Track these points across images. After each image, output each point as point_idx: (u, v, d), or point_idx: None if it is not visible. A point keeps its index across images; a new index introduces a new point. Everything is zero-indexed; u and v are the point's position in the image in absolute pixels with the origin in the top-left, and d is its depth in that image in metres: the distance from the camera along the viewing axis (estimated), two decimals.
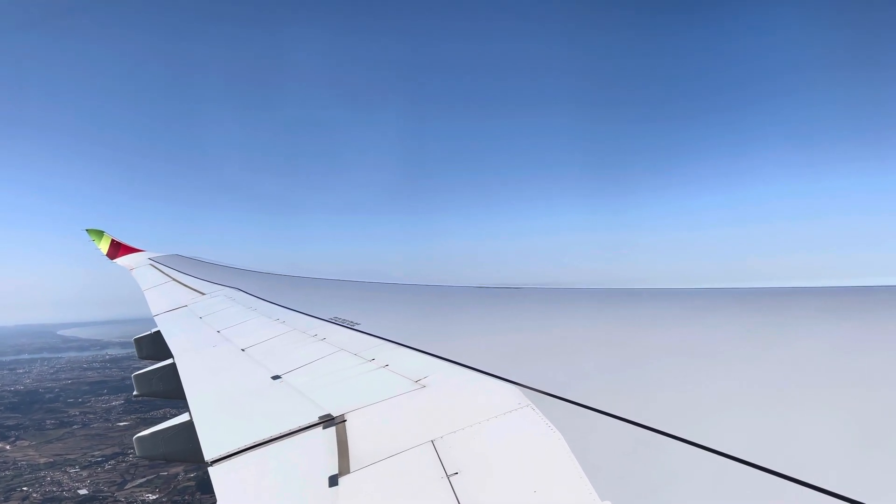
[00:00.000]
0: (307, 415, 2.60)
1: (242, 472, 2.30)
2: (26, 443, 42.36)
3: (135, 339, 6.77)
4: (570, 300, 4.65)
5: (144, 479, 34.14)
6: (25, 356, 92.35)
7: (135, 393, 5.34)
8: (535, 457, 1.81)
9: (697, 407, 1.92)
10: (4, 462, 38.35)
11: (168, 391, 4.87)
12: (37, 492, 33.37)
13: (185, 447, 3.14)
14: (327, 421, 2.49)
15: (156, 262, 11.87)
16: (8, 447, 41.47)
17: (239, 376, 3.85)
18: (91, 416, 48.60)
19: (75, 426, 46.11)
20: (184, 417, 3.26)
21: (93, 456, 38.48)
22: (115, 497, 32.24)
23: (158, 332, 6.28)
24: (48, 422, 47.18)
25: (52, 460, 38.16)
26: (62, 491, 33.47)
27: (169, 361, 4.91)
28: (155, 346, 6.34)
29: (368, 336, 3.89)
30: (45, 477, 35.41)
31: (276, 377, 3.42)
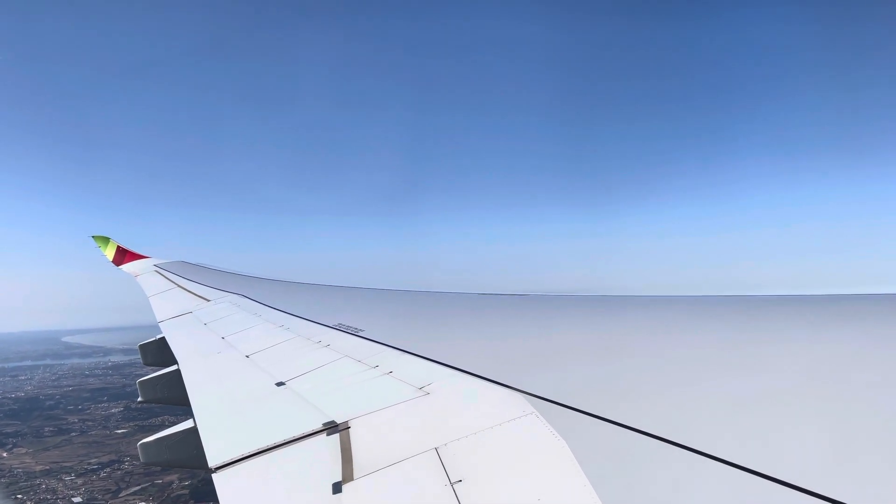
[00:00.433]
0: (311, 421, 2.61)
1: (246, 478, 2.30)
2: (24, 450, 42.11)
3: (140, 346, 6.80)
4: (574, 307, 4.64)
5: (139, 487, 33.89)
6: (29, 363, 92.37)
7: (139, 399, 5.35)
8: (540, 465, 1.81)
9: (703, 415, 1.92)
10: (0, 469, 38.04)
11: (172, 397, 4.87)
12: (31, 499, 33.06)
13: (189, 453, 3.14)
14: (331, 428, 2.50)
15: (161, 269, 11.97)
16: (5, 454, 41.20)
17: (243, 383, 3.85)
18: (90, 423, 48.38)
19: (73, 433, 45.87)
20: (188, 424, 3.27)
21: (89, 464, 38.24)
22: None
23: (163, 338, 6.32)
24: (47, 429, 46.97)
25: (48, 468, 37.91)
26: (56, 499, 33.22)
27: (174, 368, 4.93)
28: (160, 352, 6.37)
29: (372, 343, 3.90)
30: (40, 484, 35.17)
31: (280, 384, 3.44)
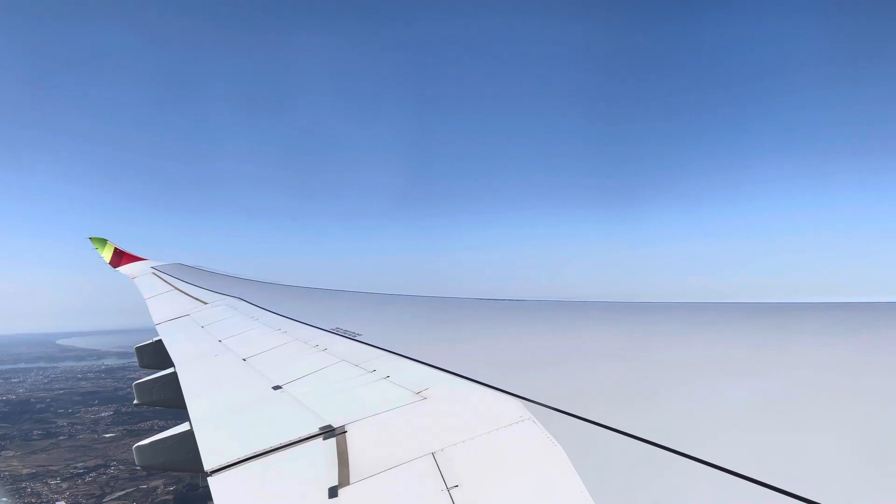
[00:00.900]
0: (308, 425, 2.60)
1: (242, 482, 2.29)
2: (11, 453, 41.51)
3: (136, 348, 6.75)
4: (573, 313, 4.64)
5: (123, 493, 33.52)
6: (22, 365, 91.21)
7: (135, 401, 5.31)
8: (537, 470, 1.82)
9: (700, 422, 1.93)
10: None
11: (168, 400, 4.84)
12: (16, 503, 32.52)
13: (184, 457, 3.12)
14: (328, 432, 2.49)
15: (158, 271, 11.92)
16: None
17: (240, 386, 3.84)
18: (79, 426, 47.81)
19: (61, 437, 45.30)
20: (184, 427, 3.25)
21: (75, 468, 37.77)
22: None
23: (160, 340, 6.28)
24: (35, 432, 46.36)
25: (34, 471, 37.39)
26: (40, 502, 32.77)
27: (170, 370, 4.90)
28: (156, 354, 6.32)
29: (370, 347, 3.89)
30: (25, 488, 34.69)
31: (277, 387, 3.43)
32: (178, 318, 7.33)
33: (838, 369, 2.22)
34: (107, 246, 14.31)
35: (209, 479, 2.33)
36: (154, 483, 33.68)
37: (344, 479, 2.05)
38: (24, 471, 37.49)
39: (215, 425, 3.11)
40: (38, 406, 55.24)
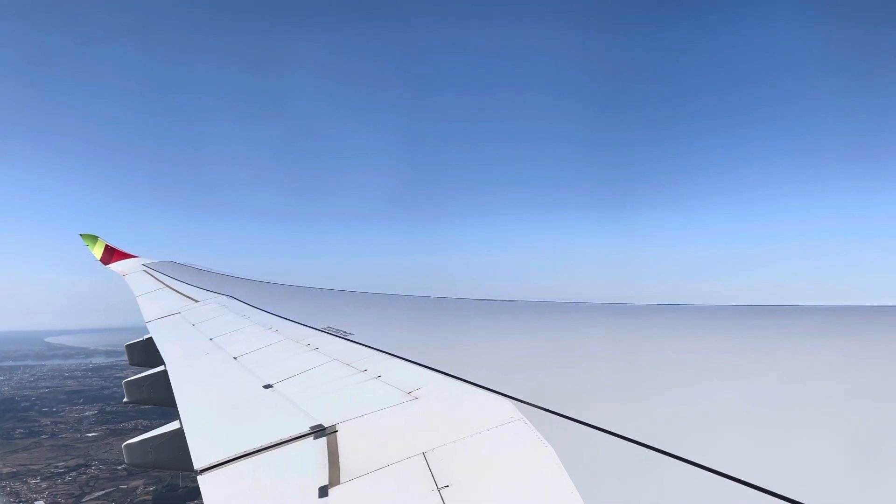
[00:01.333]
0: (298, 425, 2.59)
1: (232, 480, 2.28)
2: None
3: (126, 346, 6.67)
4: (565, 314, 4.66)
5: (102, 493, 33.08)
6: (9, 363, 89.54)
7: (125, 399, 5.24)
8: (527, 471, 1.83)
9: (691, 423, 1.94)
10: None
11: (158, 398, 4.78)
12: None
13: (174, 455, 3.09)
14: (318, 431, 2.49)
15: (150, 269, 11.79)
16: None
17: (231, 385, 3.82)
18: (62, 425, 46.98)
19: (44, 436, 44.52)
20: (174, 425, 3.22)
21: (56, 467, 37.16)
22: None
23: (150, 338, 6.21)
24: (18, 431, 45.45)
25: (14, 470, 36.67)
26: (19, 502, 32.13)
27: (160, 368, 4.85)
28: (146, 352, 6.25)
29: (362, 346, 3.89)
30: (4, 487, 34.02)
31: (267, 386, 3.41)
32: (169, 316, 7.25)
33: (831, 372, 2.23)
34: (98, 243, 14.12)
35: (199, 477, 2.32)
36: (134, 483, 33.39)
37: (334, 479, 2.05)
38: (5, 470, 36.75)
39: (205, 424, 3.09)
40: (23, 405, 54.30)
